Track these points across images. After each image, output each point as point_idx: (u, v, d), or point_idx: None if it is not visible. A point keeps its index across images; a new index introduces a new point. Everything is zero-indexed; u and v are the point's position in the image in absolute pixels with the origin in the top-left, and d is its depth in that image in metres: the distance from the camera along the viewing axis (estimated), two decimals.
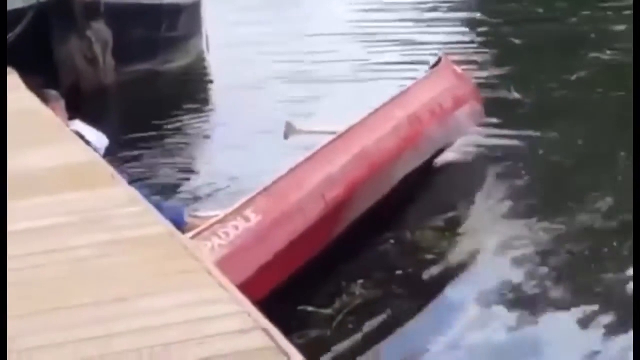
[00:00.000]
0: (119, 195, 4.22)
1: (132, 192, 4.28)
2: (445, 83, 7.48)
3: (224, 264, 4.51)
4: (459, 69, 7.95)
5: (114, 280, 3.25)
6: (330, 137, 6.16)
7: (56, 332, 2.78)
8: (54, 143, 5.17)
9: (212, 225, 5.07)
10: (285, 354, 2.59)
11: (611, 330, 4.92)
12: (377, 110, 6.61)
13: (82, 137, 5.80)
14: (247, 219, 5.19)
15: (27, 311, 2.97)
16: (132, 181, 5.67)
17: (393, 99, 6.88)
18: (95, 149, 5.66)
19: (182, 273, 3.36)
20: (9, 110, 5.63)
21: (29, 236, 3.73)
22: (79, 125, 6.10)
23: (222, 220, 5.13)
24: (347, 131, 6.24)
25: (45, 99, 6.33)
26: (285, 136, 7.13)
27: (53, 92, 6.52)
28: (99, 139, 6.09)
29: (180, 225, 5.16)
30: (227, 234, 5.05)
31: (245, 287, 4.53)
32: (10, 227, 3.73)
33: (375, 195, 6.17)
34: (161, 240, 3.64)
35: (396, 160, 6.50)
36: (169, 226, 3.78)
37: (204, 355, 2.65)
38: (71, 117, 6.04)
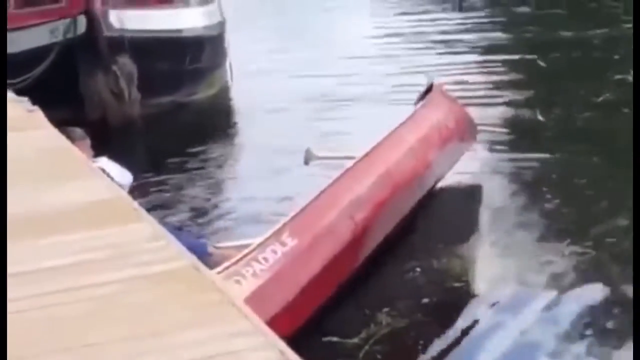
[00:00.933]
0: (143, 231, 4.27)
1: (156, 226, 4.34)
2: (443, 109, 7.77)
3: (267, 288, 4.84)
4: (451, 94, 8.27)
5: (140, 316, 3.31)
6: (353, 161, 6.37)
7: None
8: (80, 180, 5.22)
9: (250, 252, 5.22)
10: None
11: None
12: (390, 134, 6.86)
13: (107, 174, 5.85)
14: (284, 244, 5.33)
15: (56, 348, 3.02)
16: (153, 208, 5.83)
17: (403, 124, 7.16)
18: (120, 186, 5.71)
19: (209, 307, 3.40)
20: (36, 148, 5.69)
21: (54, 274, 3.78)
22: (104, 162, 6.18)
23: (261, 246, 5.28)
24: (368, 154, 6.45)
25: (71, 138, 6.36)
26: (306, 162, 7.37)
27: (78, 131, 6.59)
28: (124, 176, 6.18)
29: (202, 255, 5.21)
30: (266, 259, 5.19)
31: (289, 311, 4.93)
32: (36, 265, 3.80)
33: (398, 216, 6.37)
34: (186, 275, 3.69)
35: (415, 181, 6.72)
36: (194, 260, 3.84)
37: None
38: (97, 154, 6.15)
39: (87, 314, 3.34)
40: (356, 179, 6.19)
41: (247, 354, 2.94)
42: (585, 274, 6.09)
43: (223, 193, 8.21)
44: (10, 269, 3.74)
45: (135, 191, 5.93)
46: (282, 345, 2.99)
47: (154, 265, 3.80)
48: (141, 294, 3.54)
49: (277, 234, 5.45)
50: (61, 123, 6.54)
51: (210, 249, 5.88)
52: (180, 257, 3.86)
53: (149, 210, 5.33)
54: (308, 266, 5.42)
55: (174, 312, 3.34)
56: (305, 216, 5.66)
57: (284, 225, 5.53)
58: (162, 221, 5.59)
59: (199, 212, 7.46)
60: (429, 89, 8.09)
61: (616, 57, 13.37)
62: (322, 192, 5.92)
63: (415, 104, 7.92)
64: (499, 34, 16.25)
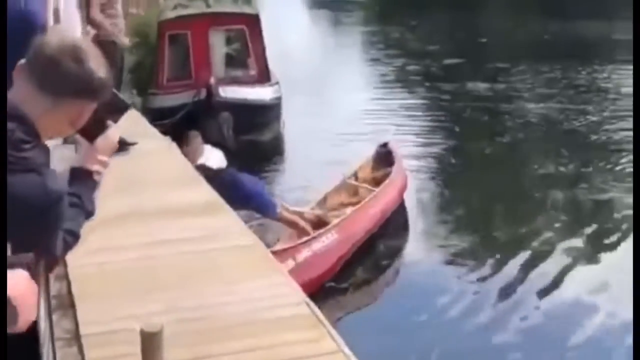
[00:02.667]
0: (227, 220, 6.10)
1: (235, 217, 6.17)
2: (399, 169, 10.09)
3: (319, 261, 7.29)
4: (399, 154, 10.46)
5: (227, 268, 5.08)
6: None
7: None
8: (192, 185, 7.16)
9: (310, 239, 7.66)
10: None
11: None
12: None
13: (207, 168, 8.18)
14: (332, 235, 7.89)
15: (178, 285, 4.82)
16: None
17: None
18: (220, 168, 8.34)
19: (266, 269, 5.16)
20: (169, 167, 7.70)
21: (177, 243, 5.49)
22: (208, 148, 8.81)
23: (317, 237, 7.73)
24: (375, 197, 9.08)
25: (189, 136, 8.97)
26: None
27: (194, 132, 9.21)
28: (221, 161, 8.75)
29: (273, 212, 7.93)
30: (322, 242, 7.68)
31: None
32: (166, 237, 5.57)
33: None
34: (253, 249, 5.54)
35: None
36: (255, 239, 5.66)
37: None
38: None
39: (197, 267, 5.15)
40: (363, 215, 8.64)
41: (281, 299, 4.64)
42: None
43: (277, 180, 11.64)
44: (152, 238, 5.54)
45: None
46: (305, 296, 4.73)
47: (234, 240, 5.62)
48: (226, 258, 5.28)
49: (323, 232, 7.87)
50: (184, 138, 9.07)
51: (279, 210, 8.21)
52: (247, 237, 5.72)
53: None
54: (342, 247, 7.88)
55: (241, 269, 5.12)
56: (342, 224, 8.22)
57: (329, 227, 8.02)
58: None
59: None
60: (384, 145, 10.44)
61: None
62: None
63: (374, 156, 10.20)
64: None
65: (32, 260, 2.08)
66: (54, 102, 2.17)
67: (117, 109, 2.43)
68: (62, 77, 2.15)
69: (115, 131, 2.44)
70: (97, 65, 2.22)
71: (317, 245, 7.62)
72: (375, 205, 8.97)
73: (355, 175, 10.02)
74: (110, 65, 2.31)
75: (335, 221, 8.22)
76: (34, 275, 2.06)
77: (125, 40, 10.74)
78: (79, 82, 2.17)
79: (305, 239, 7.69)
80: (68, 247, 2.24)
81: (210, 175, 8.11)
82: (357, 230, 8.37)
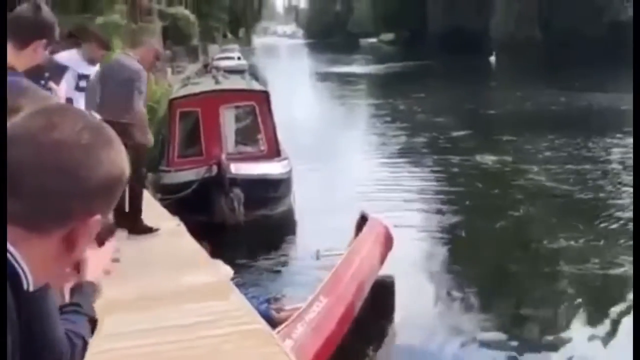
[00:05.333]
0: (234, 303, 6.08)
1: (242, 300, 6.14)
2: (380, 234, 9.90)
3: (315, 334, 7.00)
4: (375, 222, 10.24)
5: (230, 357, 5.04)
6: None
7: None
8: (200, 269, 7.15)
9: (301, 313, 7.37)
10: None
11: None
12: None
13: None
14: (321, 301, 7.65)
15: None
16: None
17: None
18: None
19: (272, 355, 5.05)
20: (178, 250, 7.67)
21: (184, 329, 5.46)
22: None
23: (306, 308, 7.48)
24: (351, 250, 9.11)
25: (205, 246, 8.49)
26: (317, 258, 9.94)
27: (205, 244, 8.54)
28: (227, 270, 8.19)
29: (267, 316, 7.24)
30: (314, 311, 7.43)
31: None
32: (173, 322, 5.56)
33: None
34: (258, 333, 5.45)
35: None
36: (263, 324, 5.60)
37: None
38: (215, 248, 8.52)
39: (201, 355, 5.12)
40: (345, 271, 8.49)
41: None
42: None
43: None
44: (158, 324, 5.48)
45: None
46: None
47: (239, 326, 5.52)
48: (231, 344, 5.23)
49: (315, 298, 7.66)
50: (198, 225, 9.13)
51: (272, 313, 7.95)
52: (255, 321, 5.64)
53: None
54: (336, 316, 7.67)
55: (249, 355, 5.06)
56: (329, 286, 8.05)
57: (317, 293, 7.80)
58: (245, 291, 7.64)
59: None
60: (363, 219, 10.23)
61: None
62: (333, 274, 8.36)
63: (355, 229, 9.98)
64: None
65: None
66: None
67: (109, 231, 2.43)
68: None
69: (110, 248, 2.40)
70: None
71: (310, 316, 7.44)
72: (351, 263, 8.78)
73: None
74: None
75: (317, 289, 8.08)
76: None
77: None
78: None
79: (296, 314, 7.48)
80: (76, 349, 2.14)
81: None
82: (343, 290, 8.19)
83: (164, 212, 9.48)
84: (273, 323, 7.41)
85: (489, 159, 18.99)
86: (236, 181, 12.75)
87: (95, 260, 2.30)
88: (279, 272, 11.38)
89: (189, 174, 13.24)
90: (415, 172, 18.16)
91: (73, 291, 2.25)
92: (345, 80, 39.79)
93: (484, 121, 25.44)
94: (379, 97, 34.67)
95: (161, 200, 10.94)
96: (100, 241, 2.35)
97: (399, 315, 9.19)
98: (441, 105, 29.21)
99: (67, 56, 8.08)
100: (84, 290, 2.28)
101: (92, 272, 2.30)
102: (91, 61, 8.31)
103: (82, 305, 2.23)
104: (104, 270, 2.35)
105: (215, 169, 12.78)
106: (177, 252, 7.81)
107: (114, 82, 8.44)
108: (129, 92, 8.31)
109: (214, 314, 5.82)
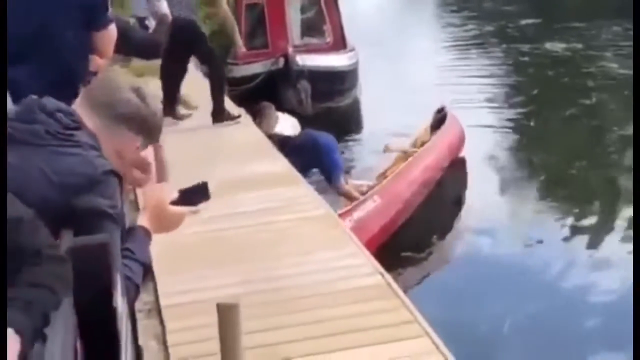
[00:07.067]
0: (300, 191, 6.19)
1: (309, 189, 6.27)
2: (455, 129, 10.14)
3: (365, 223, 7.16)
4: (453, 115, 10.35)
5: (299, 240, 5.14)
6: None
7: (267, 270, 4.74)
8: (267, 158, 7.31)
9: (357, 204, 7.59)
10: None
11: None
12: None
13: (284, 137, 8.46)
14: (374, 201, 7.77)
15: (252, 256, 4.86)
16: None
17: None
18: (293, 135, 8.62)
19: (335, 236, 5.23)
20: (245, 140, 7.84)
21: (252, 214, 5.60)
22: (282, 118, 9.03)
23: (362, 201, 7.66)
24: (418, 155, 9.10)
25: (263, 107, 9.24)
26: (384, 151, 9.93)
27: (267, 103, 9.46)
28: (295, 128, 9.04)
29: (338, 183, 8.00)
30: (364, 209, 7.54)
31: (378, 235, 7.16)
32: (242, 209, 5.67)
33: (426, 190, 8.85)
34: (323, 217, 5.59)
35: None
36: (328, 208, 5.74)
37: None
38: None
39: (268, 239, 5.24)
40: (406, 176, 8.57)
41: (354, 269, 4.66)
42: None
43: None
44: (229, 210, 5.57)
45: None
46: (379, 266, 4.70)
47: (305, 212, 5.69)
48: (297, 229, 5.35)
49: (365, 199, 7.77)
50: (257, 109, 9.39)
51: (343, 182, 8.38)
52: (320, 207, 5.79)
53: None
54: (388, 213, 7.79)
55: (314, 239, 5.17)
56: (386, 186, 8.16)
57: (374, 190, 8.01)
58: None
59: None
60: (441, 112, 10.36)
61: None
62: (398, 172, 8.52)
63: (432, 122, 10.12)
64: None
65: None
66: (105, 127, 2.25)
67: (199, 198, 2.50)
68: (123, 104, 2.26)
69: (182, 214, 2.52)
70: (156, 106, 2.36)
71: (359, 214, 7.51)
72: (416, 167, 8.87)
73: (415, 144, 10.02)
74: None
75: (376, 188, 8.19)
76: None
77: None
78: (136, 114, 2.27)
79: (345, 208, 7.57)
80: (130, 294, 2.28)
81: (285, 140, 8.33)
82: (400, 191, 8.29)
83: (230, 104, 9.59)
84: (341, 192, 8.04)
85: (559, 47, 18.57)
86: (303, 73, 12.81)
87: (151, 193, 2.49)
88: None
89: (256, 67, 13.34)
90: (484, 61, 17.85)
91: (128, 234, 2.36)
92: None
93: (552, 9, 24.61)
94: None
95: (228, 92, 10.92)
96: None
97: (466, 204, 9.27)
98: None
99: None
100: (138, 236, 2.39)
101: (148, 204, 2.48)
102: None
103: (135, 251, 2.33)
104: (192, 210, 2.54)
105: (282, 61, 12.83)
106: (244, 142, 7.96)
107: None
108: None
109: (281, 200, 5.93)
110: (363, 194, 8.13)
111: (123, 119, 2.28)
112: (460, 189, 9.64)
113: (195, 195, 2.50)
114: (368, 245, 6.63)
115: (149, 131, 2.34)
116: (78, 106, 2.29)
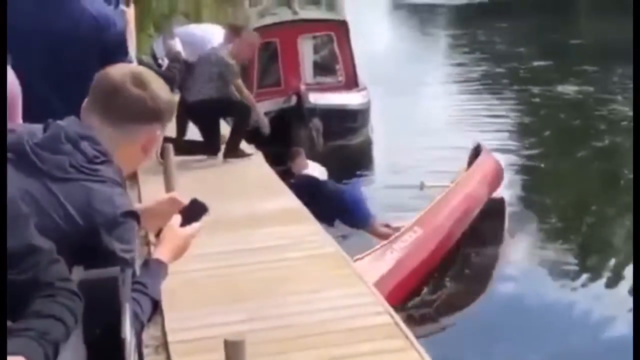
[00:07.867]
0: (310, 229, 6.24)
1: (319, 227, 6.29)
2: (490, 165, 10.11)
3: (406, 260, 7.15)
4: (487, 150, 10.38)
5: (305, 278, 5.15)
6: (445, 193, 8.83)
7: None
8: (277, 195, 7.34)
9: (395, 237, 7.54)
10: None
11: None
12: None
13: (313, 178, 8.62)
14: (415, 232, 7.77)
15: (265, 291, 4.85)
16: None
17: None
18: (321, 179, 8.75)
19: (342, 276, 5.22)
20: (254, 177, 7.88)
21: (261, 251, 5.61)
22: (312, 165, 9.17)
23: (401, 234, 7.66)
24: (456, 185, 9.10)
25: (294, 152, 9.44)
26: (420, 188, 9.95)
27: (298, 148, 9.71)
28: (322, 173, 9.18)
29: (367, 224, 8.04)
30: (405, 241, 7.52)
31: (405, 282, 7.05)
32: (251, 245, 5.71)
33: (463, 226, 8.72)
34: (332, 256, 5.61)
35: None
36: (337, 247, 5.71)
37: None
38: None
39: (276, 276, 5.25)
40: (446, 205, 8.57)
41: (363, 308, 4.66)
42: None
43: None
44: (237, 247, 5.65)
45: None
46: (388, 306, 4.70)
47: (313, 250, 5.70)
48: (306, 267, 5.37)
49: (409, 227, 7.76)
50: (274, 154, 9.53)
51: (372, 222, 8.33)
52: (329, 245, 5.79)
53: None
54: (427, 247, 7.72)
55: (322, 277, 5.18)
56: (425, 217, 8.12)
57: (413, 223, 7.91)
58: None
59: None
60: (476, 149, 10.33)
61: None
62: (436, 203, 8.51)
63: (469, 160, 10.01)
64: None
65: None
66: (122, 132, 2.23)
67: (199, 213, 2.48)
68: (127, 103, 2.21)
69: (194, 231, 2.46)
70: (160, 88, 2.28)
71: (399, 245, 7.52)
72: (453, 198, 8.83)
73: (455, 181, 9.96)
74: None
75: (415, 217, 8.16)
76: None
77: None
78: (144, 106, 2.23)
79: (385, 242, 7.57)
80: (136, 329, 2.18)
81: (313, 184, 8.46)
82: (440, 223, 8.24)
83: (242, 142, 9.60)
84: (374, 232, 8.04)
85: (570, 89, 18.55)
86: (315, 111, 12.78)
87: (172, 237, 2.40)
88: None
89: (268, 104, 13.17)
90: (495, 103, 17.80)
91: (142, 267, 2.32)
92: (424, 10, 38.95)
93: (564, 51, 24.62)
94: (457, 27, 33.79)
95: None
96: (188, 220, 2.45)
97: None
98: (521, 35, 28.37)
99: None
100: (152, 270, 2.34)
101: (168, 249, 2.39)
102: None
103: (147, 286, 2.28)
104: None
105: (294, 99, 12.81)
106: (254, 179, 7.99)
107: None
108: None
109: (291, 237, 5.94)
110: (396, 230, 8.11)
111: (136, 117, 2.24)
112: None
113: (194, 212, 2.48)
114: (414, 273, 7.02)
115: (162, 116, 2.30)
116: (87, 118, 2.26)
